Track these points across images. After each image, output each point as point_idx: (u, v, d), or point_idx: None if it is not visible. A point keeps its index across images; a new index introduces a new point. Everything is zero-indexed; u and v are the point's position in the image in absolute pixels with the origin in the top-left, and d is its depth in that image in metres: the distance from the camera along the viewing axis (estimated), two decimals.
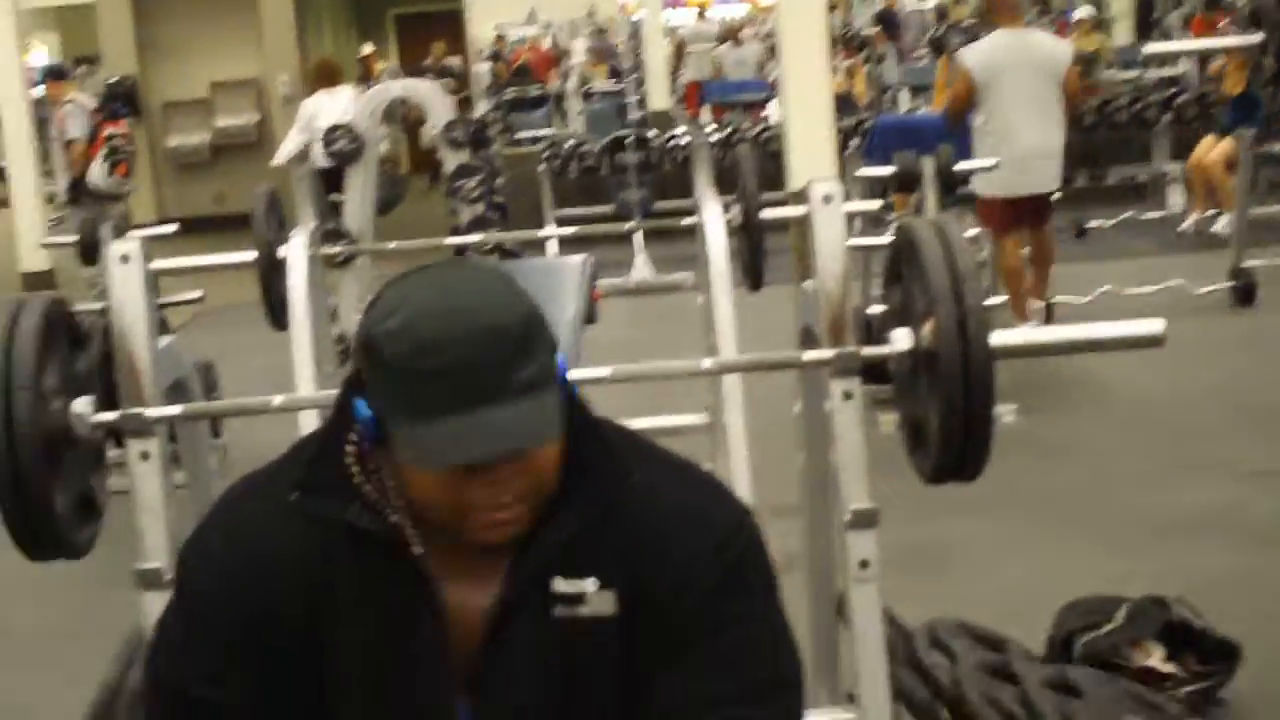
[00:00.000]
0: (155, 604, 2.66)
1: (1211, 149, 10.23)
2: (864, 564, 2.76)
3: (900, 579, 3.01)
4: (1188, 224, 10.69)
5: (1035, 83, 7.30)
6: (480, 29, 18.65)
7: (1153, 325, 2.73)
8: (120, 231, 5.94)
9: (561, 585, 1.69)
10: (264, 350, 5.59)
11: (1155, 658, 3.64)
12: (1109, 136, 12.42)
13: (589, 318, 5.15)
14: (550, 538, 1.68)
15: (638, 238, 9.79)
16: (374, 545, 1.69)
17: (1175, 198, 11.52)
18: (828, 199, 2.82)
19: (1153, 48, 11.03)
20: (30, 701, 4.50)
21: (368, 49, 15.51)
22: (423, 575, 1.69)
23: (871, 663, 2.76)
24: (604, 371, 2.74)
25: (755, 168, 4.90)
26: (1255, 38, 5.34)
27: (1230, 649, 3.68)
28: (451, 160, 7.40)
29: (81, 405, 2.59)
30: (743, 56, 15.74)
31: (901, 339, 2.66)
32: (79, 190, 10.08)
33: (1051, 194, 7.51)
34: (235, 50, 15.02)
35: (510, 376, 1.55)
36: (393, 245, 5.51)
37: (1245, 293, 8.23)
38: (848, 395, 2.75)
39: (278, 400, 2.78)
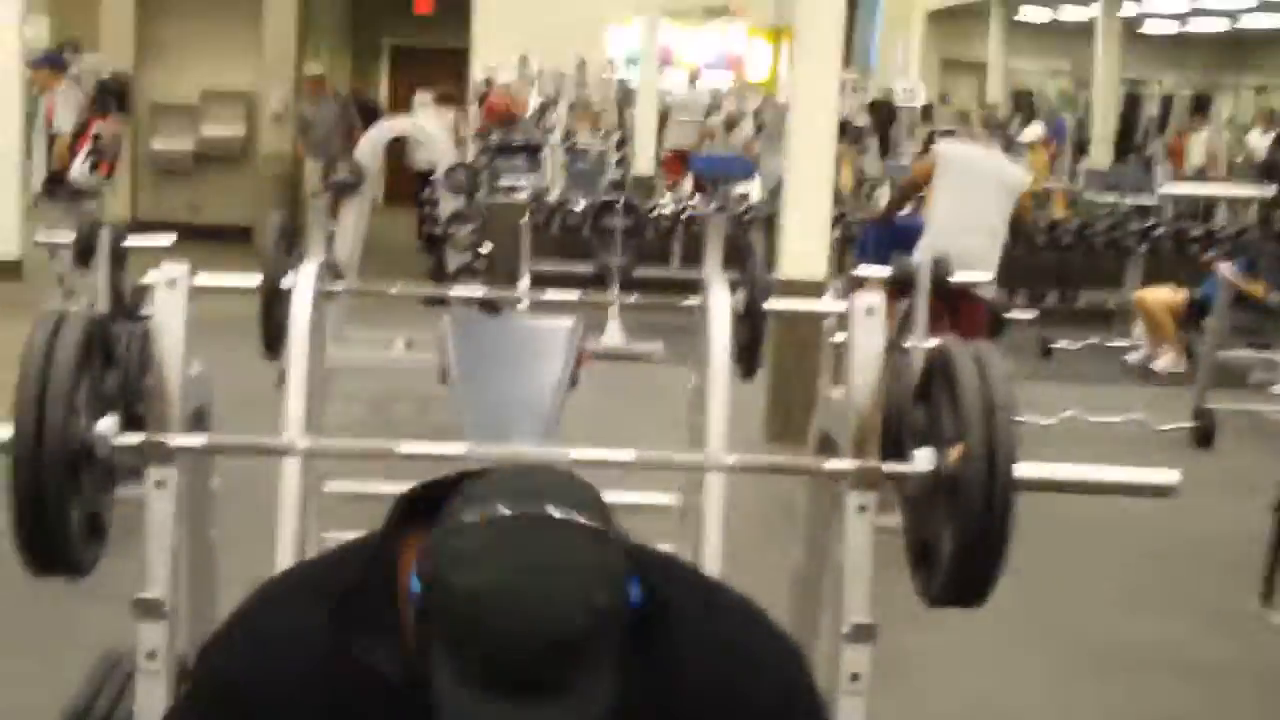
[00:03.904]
0: (152, 633, 2.67)
1: (1158, 293, 10.54)
2: (855, 677, 2.79)
3: None
4: (1136, 356, 10.87)
5: (982, 192, 7.54)
6: (479, 70, 18.69)
7: (1168, 476, 2.79)
8: (117, 237, 5.91)
9: None
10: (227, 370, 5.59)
11: None
12: (1083, 259, 12.58)
13: (572, 381, 5.15)
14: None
15: (615, 304, 9.81)
16: (408, 702, 1.58)
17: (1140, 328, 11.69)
18: (870, 311, 2.85)
19: (1169, 189, 11.20)
20: None
21: (315, 69, 14.92)
22: None
23: None
24: (599, 454, 2.69)
25: (764, 253, 4.94)
26: (1269, 190, 5.44)
27: None
28: (449, 204, 7.43)
29: (105, 425, 2.59)
30: (730, 140, 15.90)
31: (924, 460, 2.69)
32: (56, 183, 9.99)
33: (978, 300, 7.53)
34: (231, 60, 14.98)
35: (573, 682, 1.46)
36: (394, 290, 5.49)
37: (1205, 433, 8.34)
38: (863, 508, 2.77)
39: (303, 443, 2.78)
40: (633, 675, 1.55)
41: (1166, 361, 10.45)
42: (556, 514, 1.49)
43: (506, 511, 1.49)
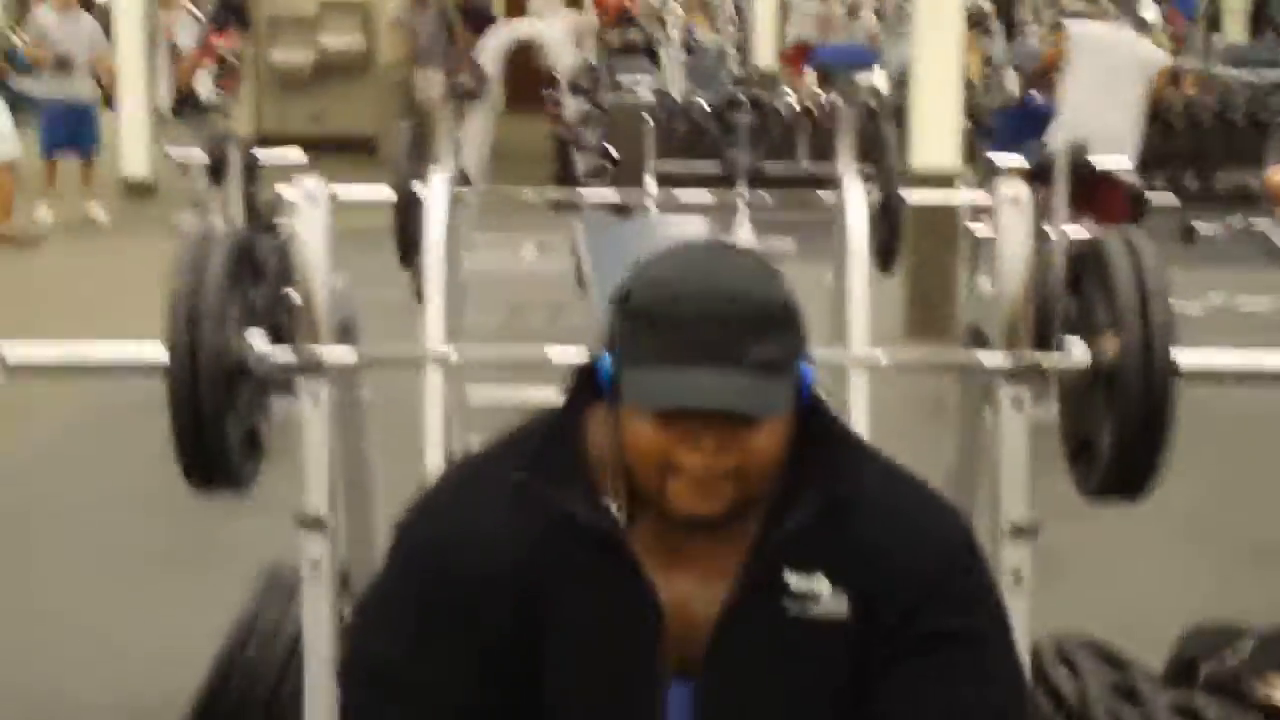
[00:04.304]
0: (314, 545, 2.70)
1: None
2: (1018, 575, 2.75)
3: None
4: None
5: (1115, 73, 7.42)
6: None
7: None
8: (248, 153, 5.95)
9: (796, 582, 1.69)
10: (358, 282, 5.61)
11: None
12: (1222, 139, 12.24)
13: None
14: (786, 531, 1.68)
15: (743, 202, 9.72)
16: (591, 537, 1.69)
17: None
18: (1015, 200, 2.78)
19: None
20: (147, 626, 4.52)
21: None
22: (638, 571, 1.69)
23: None
24: None
25: (897, 146, 4.86)
26: None
27: None
28: (572, 107, 7.39)
29: (258, 339, 2.60)
30: (853, 28, 15.65)
31: (1079, 351, 2.63)
32: (182, 101, 10.11)
33: (1117, 182, 7.32)
34: None
35: (748, 348, 1.58)
36: (526, 193, 5.48)
37: None
38: (1018, 401, 2.72)
39: (454, 354, 2.78)
40: (805, 495, 1.68)
41: None
42: (734, 249, 1.72)
43: (689, 248, 1.70)
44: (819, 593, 1.68)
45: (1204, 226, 10.74)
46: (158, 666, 4.01)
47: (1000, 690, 1.73)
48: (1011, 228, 2.78)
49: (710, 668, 1.69)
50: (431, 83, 14.21)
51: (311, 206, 2.74)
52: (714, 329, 1.58)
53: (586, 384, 1.74)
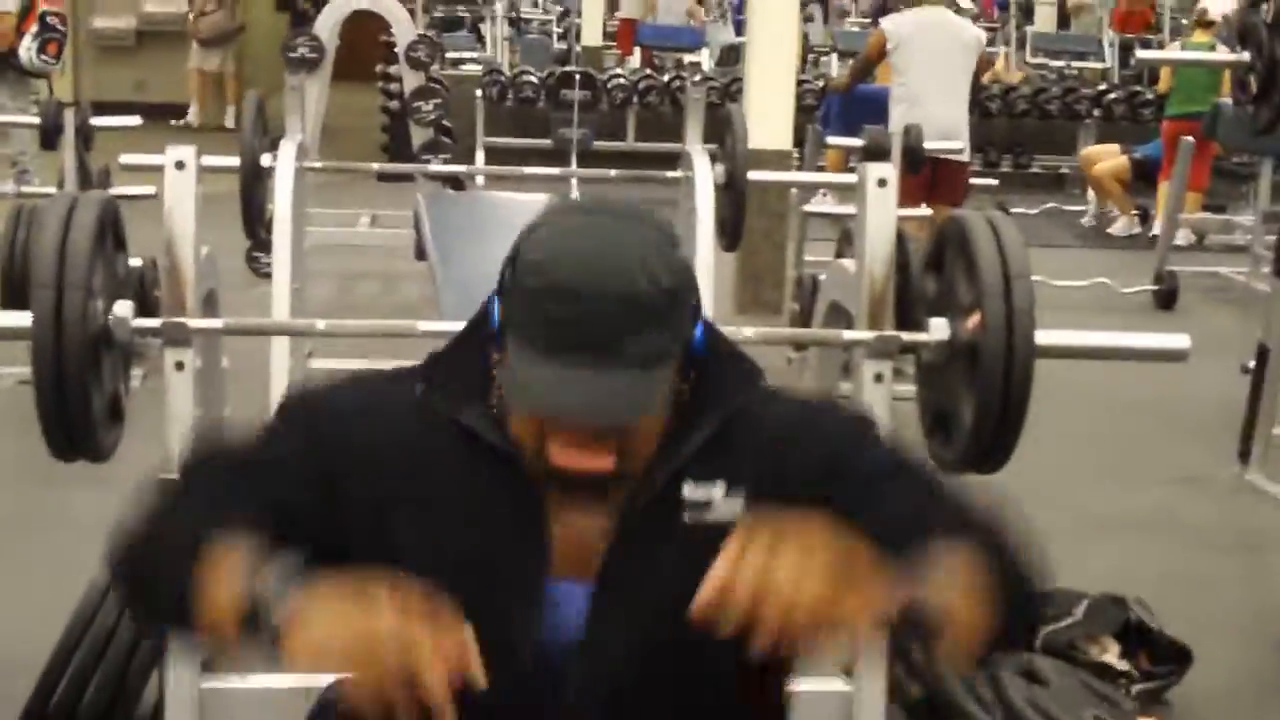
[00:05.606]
0: None
1: (1102, 156, 10.58)
2: None
3: None
4: (1092, 220, 10.97)
5: (945, 58, 7.45)
6: None
7: (1180, 341, 2.83)
8: (84, 118, 5.83)
9: (691, 491, 1.69)
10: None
11: (1111, 654, 3.75)
12: (1037, 125, 12.59)
13: None
14: (684, 449, 1.67)
15: (574, 180, 9.77)
16: (485, 451, 1.67)
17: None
18: (882, 183, 2.85)
19: (1143, 56, 11.15)
20: None
21: None
22: (531, 488, 1.67)
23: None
24: None
25: (744, 125, 4.91)
26: (1244, 56, 5.42)
27: (1182, 652, 3.79)
28: (411, 80, 7.35)
29: (123, 309, 2.57)
30: (671, 4, 15.75)
31: (940, 328, 2.71)
32: (4, 65, 9.81)
33: (961, 165, 7.54)
34: None
35: (626, 346, 1.54)
36: (373, 167, 5.43)
37: (1168, 296, 8.42)
38: (879, 377, 2.80)
39: (321, 324, 2.77)
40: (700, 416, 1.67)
41: (1122, 225, 10.53)
42: (628, 215, 1.61)
43: (582, 213, 1.65)
44: (713, 498, 1.68)
45: (1018, 208, 11.01)
46: (7, 631, 3.92)
47: (945, 497, 1.71)
48: (877, 208, 2.85)
49: (606, 573, 1.68)
50: (199, 56, 14.08)
51: (181, 173, 2.70)
52: (590, 328, 1.53)
53: (484, 321, 1.70)
